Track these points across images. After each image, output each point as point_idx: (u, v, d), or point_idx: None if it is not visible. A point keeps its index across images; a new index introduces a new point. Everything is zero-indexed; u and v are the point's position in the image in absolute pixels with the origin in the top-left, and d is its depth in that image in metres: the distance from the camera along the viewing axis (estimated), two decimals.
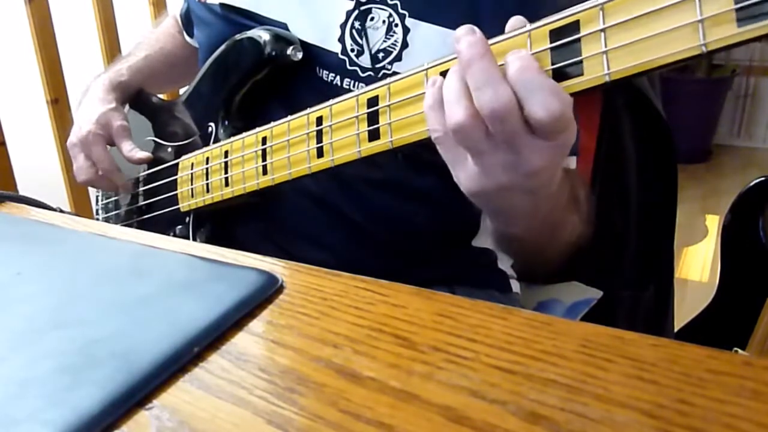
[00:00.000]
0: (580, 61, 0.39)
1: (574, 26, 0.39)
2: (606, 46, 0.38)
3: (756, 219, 0.96)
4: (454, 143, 0.43)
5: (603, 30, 0.38)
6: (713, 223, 2.39)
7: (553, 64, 0.40)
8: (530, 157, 0.41)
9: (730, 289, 1.02)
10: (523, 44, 0.41)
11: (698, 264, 2.12)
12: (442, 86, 0.43)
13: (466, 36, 0.41)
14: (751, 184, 0.98)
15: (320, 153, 0.55)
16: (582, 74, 0.39)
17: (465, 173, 0.44)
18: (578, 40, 0.39)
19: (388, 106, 0.49)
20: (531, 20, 0.42)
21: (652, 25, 0.36)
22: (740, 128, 3.08)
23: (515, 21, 0.42)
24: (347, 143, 0.53)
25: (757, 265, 0.97)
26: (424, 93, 0.46)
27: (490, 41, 0.43)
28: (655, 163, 0.82)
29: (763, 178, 0.97)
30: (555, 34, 0.40)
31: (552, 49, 0.40)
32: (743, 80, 2.98)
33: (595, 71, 0.39)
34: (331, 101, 0.54)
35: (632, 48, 0.37)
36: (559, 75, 0.40)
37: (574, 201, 0.56)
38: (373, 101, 0.50)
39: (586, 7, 0.39)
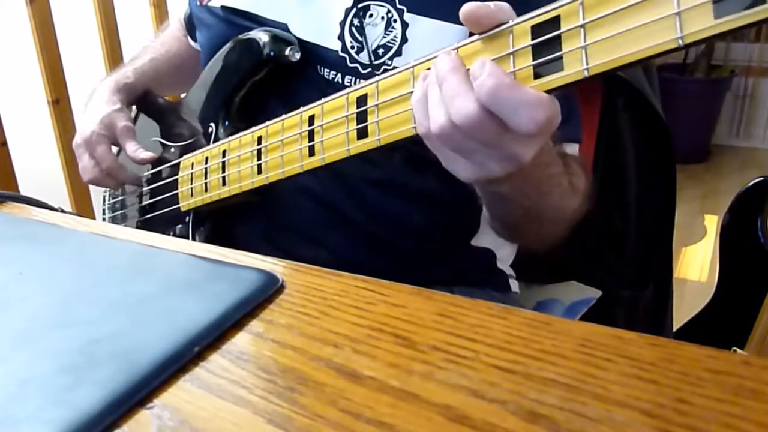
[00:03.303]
0: (561, 57, 0.39)
1: (555, 21, 0.40)
2: (585, 41, 0.38)
3: (755, 219, 0.96)
4: (440, 143, 0.44)
5: (583, 26, 0.38)
6: (712, 223, 2.39)
7: (534, 59, 0.40)
8: (519, 151, 0.42)
9: (728, 288, 1.02)
10: (506, 40, 0.41)
11: (697, 264, 2.12)
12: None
13: (443, 54, 0.43)
14: (750, 184, 0.98)
15: (311, 152, 0.56)
16: (562, 70, 0.39)
17: (458, 167, 0.45)
18: (559, 36, 0.39)
19: (376, 105, 0.49)
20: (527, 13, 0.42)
21: (630, 19, 0.36)
22: (739, 128, 3.08)
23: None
24: (337, 142, 0.53)
25: (756, 265, 0.97)
26: (411, 91, 0.46)
27: (475, 38, 0.43)
28: (654, 163, 0.82)
29: (761, 178, 0.97)
30: (536, 30, 0.40)
31: (533, 45, 0.40)
32: (742, 80, 2.99)
33: (574, 66, 0.39)
34: (323, 99, 0.54)
35: (610, 43, 0.37)
36: (540, 71, 0.40)
37: (564, 165, 0.55)
38: (362, 99, 0.51)
39: (567, 1, 0.39)
